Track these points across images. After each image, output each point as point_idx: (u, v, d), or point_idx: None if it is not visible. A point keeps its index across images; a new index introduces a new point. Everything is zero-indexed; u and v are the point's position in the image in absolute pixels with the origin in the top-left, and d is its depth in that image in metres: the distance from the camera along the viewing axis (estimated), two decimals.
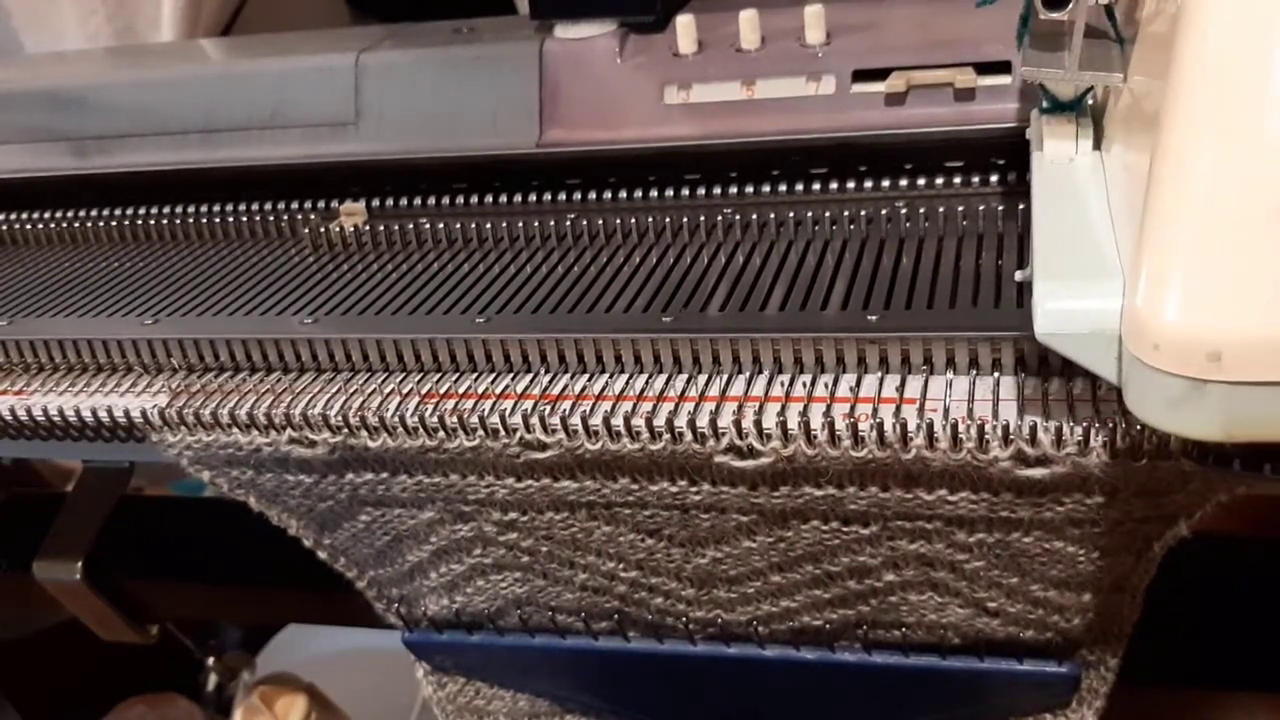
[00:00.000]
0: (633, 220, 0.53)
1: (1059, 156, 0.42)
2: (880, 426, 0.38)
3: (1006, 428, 0.37)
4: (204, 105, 0.60)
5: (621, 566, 0.46)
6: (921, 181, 0.51)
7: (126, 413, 0.47)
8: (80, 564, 0.56)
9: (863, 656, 0.47)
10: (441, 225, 0.55)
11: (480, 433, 0.42)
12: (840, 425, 0.39)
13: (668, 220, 0.52)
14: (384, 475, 0.45)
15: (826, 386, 0.41)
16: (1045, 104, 0.42)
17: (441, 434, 0.43)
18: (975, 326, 0.41)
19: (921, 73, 0.50)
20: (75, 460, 0.61)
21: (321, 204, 0.59)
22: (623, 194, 0.55)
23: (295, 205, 0.60)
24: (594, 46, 0.56)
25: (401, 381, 0.46)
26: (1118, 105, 0.41)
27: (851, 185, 0.52)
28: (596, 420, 0.41)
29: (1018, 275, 0.34)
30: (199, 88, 0.61)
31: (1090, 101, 0.43)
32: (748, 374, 0.43)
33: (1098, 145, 0.42)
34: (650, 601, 0.47)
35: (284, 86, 0.59)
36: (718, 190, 0.54)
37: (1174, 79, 0.31)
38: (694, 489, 0.42)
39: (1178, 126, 0.30)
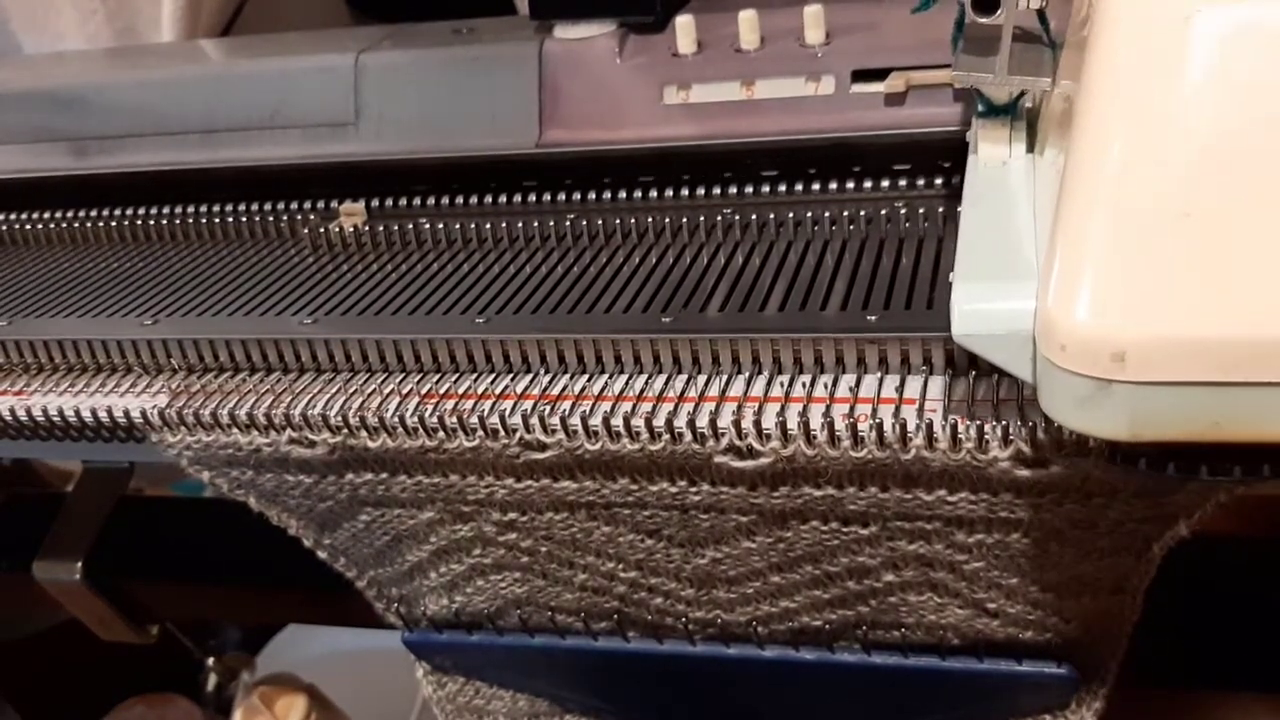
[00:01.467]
0: (633, 220, 0.53)
1: (992, 159, 0.43)
2: (880, 427, 0.38)
3: (1006, 428, 0.37)
4: (204, 105, 0.60)
5: (621, 567, 0.46)
6: (921, 182, 0.51)
7: (126, 413, 0.47)
8: (80, 564, 0.56)
9: (862, 657, 0.47)
10: (441, 225, 0.55)
11: (480, 433, 0.42)
12: (840, 425, 0.39)
13: (668, 220, 0.52)
14: (384, 475, 0.45)
15: (826, 386, 0.41)
16: (980, 108, 0.43)
17: (441, 434, 0.43)
18: None
19: (921, 73, 0.50)
20: (75, 460, 0.61)
21: (321, 204, 0.59)
22: (622, 194, 0.55)
23: (295, 205, 0.60)
24: (594, 46, 0.56)
25: (401, 382, 0.46)
26: (1049, 109, 0.41)
27: (851, 185, 0.52)
28: (596, 420, 0.41)
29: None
30: (199, 88, 0.61)
31: (1028, 105, 0.43)
32: (748, 374, 0.43)
33: (1032, 148, 0.43)
34: (650, 602, 0.47)
35: (284, 86, 0.59)
36: (718, 190, 0.54)
37: (1085, 83, 0.32)
38: (694, 489, 0.42)
39: (1088, 130, 0.31)
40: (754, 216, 0.52)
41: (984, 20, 0.39)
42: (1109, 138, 0.30)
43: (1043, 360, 0.31)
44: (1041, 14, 0.41)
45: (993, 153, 0.43)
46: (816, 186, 0.52)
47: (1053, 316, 0.30)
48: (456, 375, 0.46)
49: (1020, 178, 0.41)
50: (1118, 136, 0.30)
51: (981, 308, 0.33)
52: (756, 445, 0.40)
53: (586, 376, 0.44)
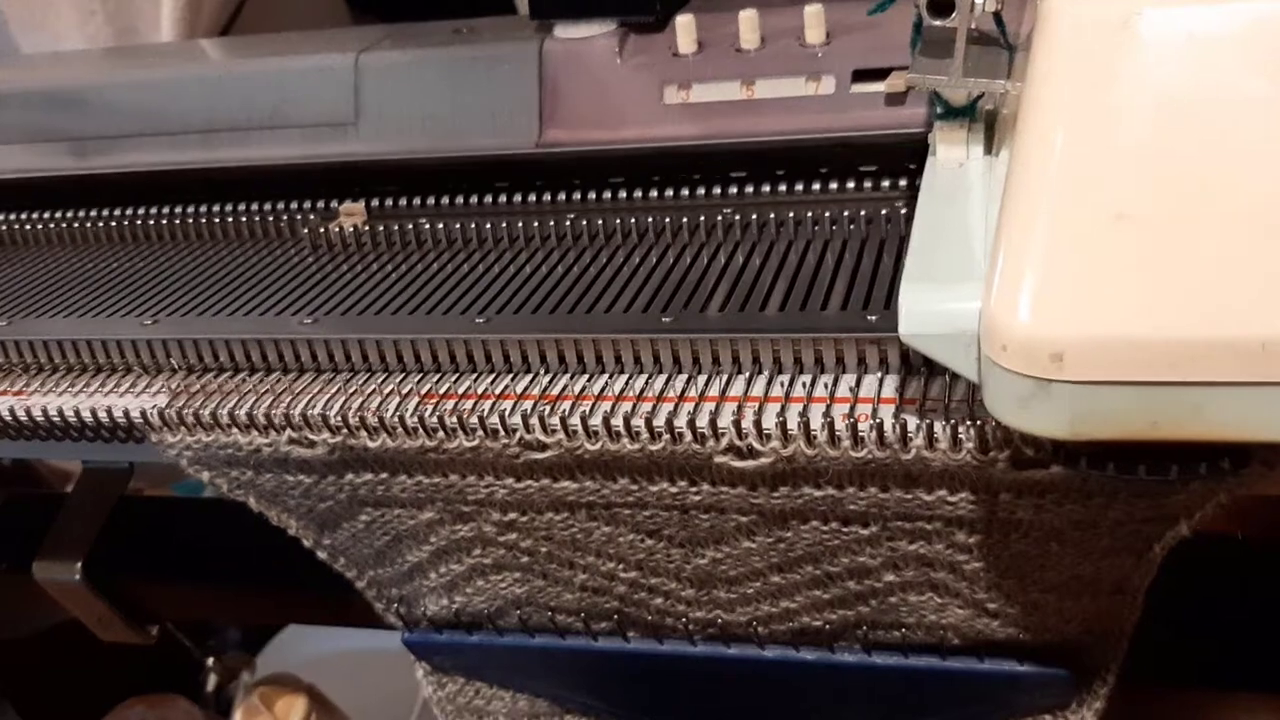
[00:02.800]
0: (633, 220, 0.53)
1: (950, 161, 0.43)
2: (880, 427, 0.38)
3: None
4: (204, 105, 0.60)
5: (621, 567, 0.46)
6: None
7: (126, 413, 0.47)
8: (80, 564, 0.56)
9: (863, 657, 0.47)
10: (441, 225, 0.55)
11: (480, 433, 0.42)
12: (840, 425, 0.39)
13: (668, 220, 0.52)
14: (384, 475, 0.45)
15: (826, 386, 0.41)
16: (939, 110, 0.43)
17: (441, 434, 0.43)
18: None
19: None
20: (75, 460, 0.61)
21: (321, 204, 0.59)
22: (623, 194, 0.55)
23: (295, 205, 0.60)
24: (594, 46, 0.55)
25: (401, 382, 0.46)
26: (1007, 111, 0.41)
27: (851, 185, 0.52)
28: (596, 420, 0.41)
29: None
30: (199, 88, 0.61)
31: (989, 107, 0.44)
32: (748, 374, 0.43)
33: (991, 150, 0.43)
34: (650, 602, 0.47)
35: (284, 86, 0.59)
36: (718, 190, 0.54)
37: (1027, 86, 0.32)
38: (694, 489, 0.42)
39: (1029, 133, 0.31)
40: (754, 216, 0.52)
41: (939, 23, 0.39)
42: (1048, 141, 0.31)
43: (986, 360, 0.31)
44: (998, 17, 0.41)
45: (950, 154, 0.43)
46: (816, 186, 0.52)
47: (994, 317, 0.30)
48: (456, 375, 0.46)
49: (977, 179, 0.42)
50: (1056, 140, 0.31)
51: (928, 308, 0.33)
52: (756, 445, 0.40)
53: (586, 376, 0.44)
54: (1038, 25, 0.33)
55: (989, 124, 0.43)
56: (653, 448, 0.41)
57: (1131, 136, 0.30)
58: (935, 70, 0.40)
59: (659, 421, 0.41)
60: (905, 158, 0.51)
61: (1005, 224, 0.31)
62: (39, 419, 0.49)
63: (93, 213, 0.63)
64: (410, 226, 0.56)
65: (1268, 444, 0.31)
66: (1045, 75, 0.32)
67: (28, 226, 0.63)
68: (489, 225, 0.55)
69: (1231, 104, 0.30)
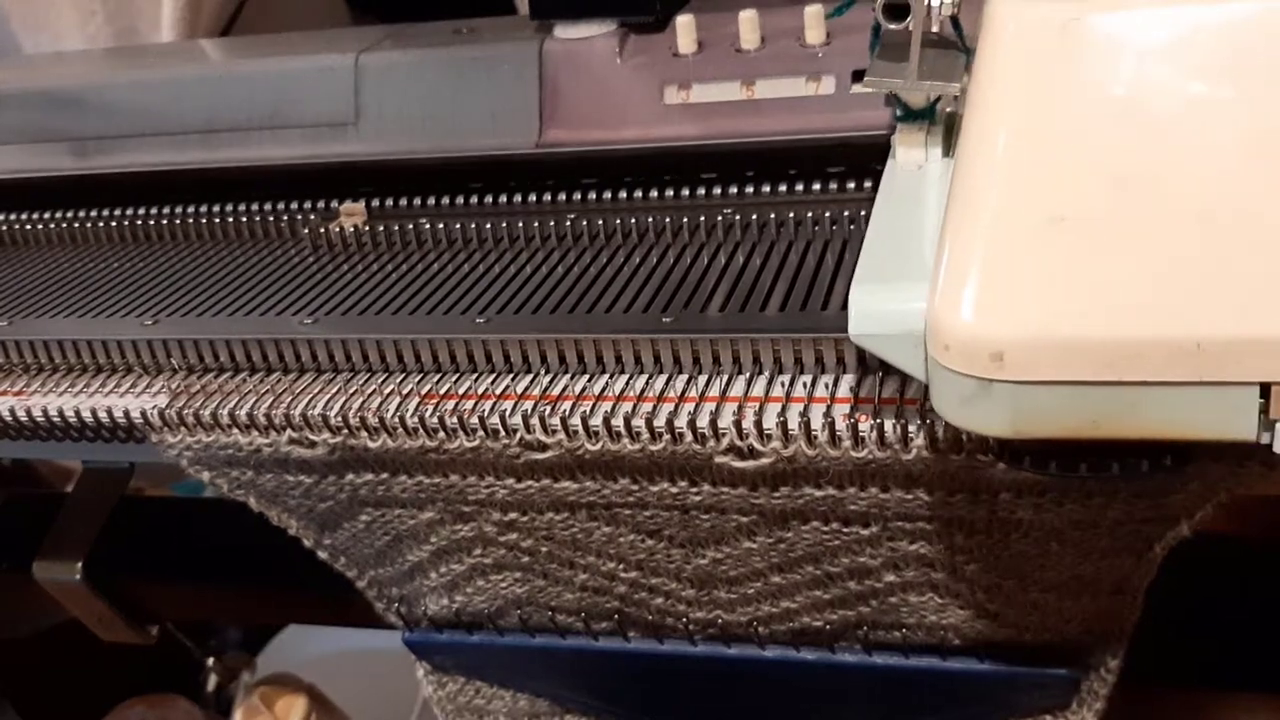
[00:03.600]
0: (633, 220, 0.53)
1: (909, 163, 0.43)
2: (880, 427, 0.38)
3: None
4: (204, 105, 0.60)
5: (621, 567, 0.46)
6: None
7: (126, 413, 0.47)
8: (80, 564, 0.56)
9: (863, 657, 0.47)
10: (441, 225, 0.55)
11: (480, 433, 0.42)
12: (841, 425, 0.39)
13: (668, 220, 0.52)
14: (384, 476, 0.45)
15: (826, 387, 0.41)
16: (899, 112, 0.43)
17: (441, 435, 0.43)
18: None
19: None
20: (75, 460, 0.61)
21: (321, 204, 0.59)
22: (623, 194, 0.55)
23: (295, 205, 0.60)
24: (594, 46, 0.55)
25: (401, 382, 0.46)
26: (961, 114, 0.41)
27: (852, 185, 0.52)
28: (596, 421, 0.41)
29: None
30: (199, 88, 0.61)
31: (949, 110, 0.44)
32: (748, 374, 0.43)
33: (949, 153, 0.43)
34: (650, 602, 0.47)
35: (284, 86, 0.59)
36: (718, 190, 0.54)
37: (972, 89, 0.33)
38: (694, 490, 0.42)
39: (973, 135, 0.32)
40: (754, 216, 0.52)
41: (894, 27, 0.39)
42: (991, 143, 0.31)
43: (931, 360, 0.32)
44: (955, 20, 0.41)
45: (909, 156, 0.43)
46: (816, 186, 0.52)
47: (937, 317, 0.31)
48: (456, 375, 0.46)
49: (934, 181, 0.42)
50: (998, 142, 0.31)
51: (877, 308, 0.34)
52: (757, 445, 0.40)
53: (586, 376, 0.44)
54: (982, 28, 0.33)
55: (949, 126, 0.44)
56: (653, 448, 0.41)
57: (1070, 139, 0.31)
58: (892, 73, 0.40)
59: (659, 421, 0.41)
60: None
61: (949, 225, 0.31)
62: (39, 419, 0.49)
63: (93, 213, 0.63)
64: (410, 226, 0.56)
65: (1208, 442, 0.31)
66: (988, 78, 0.32)
67: (28, 226, 0.63)
68: (489, 225, 0.55)
69: (1167, 107, 0.30)
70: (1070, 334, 0.29)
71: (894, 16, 0.39)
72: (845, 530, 0.42)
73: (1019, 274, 0.30)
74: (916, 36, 0.39)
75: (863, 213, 0.50)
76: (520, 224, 0.54)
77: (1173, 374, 0.29)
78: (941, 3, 0.38)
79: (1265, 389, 0.29)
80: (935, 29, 0.41)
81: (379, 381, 0.46)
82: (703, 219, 0.52)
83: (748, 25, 0.53)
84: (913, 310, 0.32)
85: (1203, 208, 0.29)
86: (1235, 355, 0.28)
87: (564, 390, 0.44)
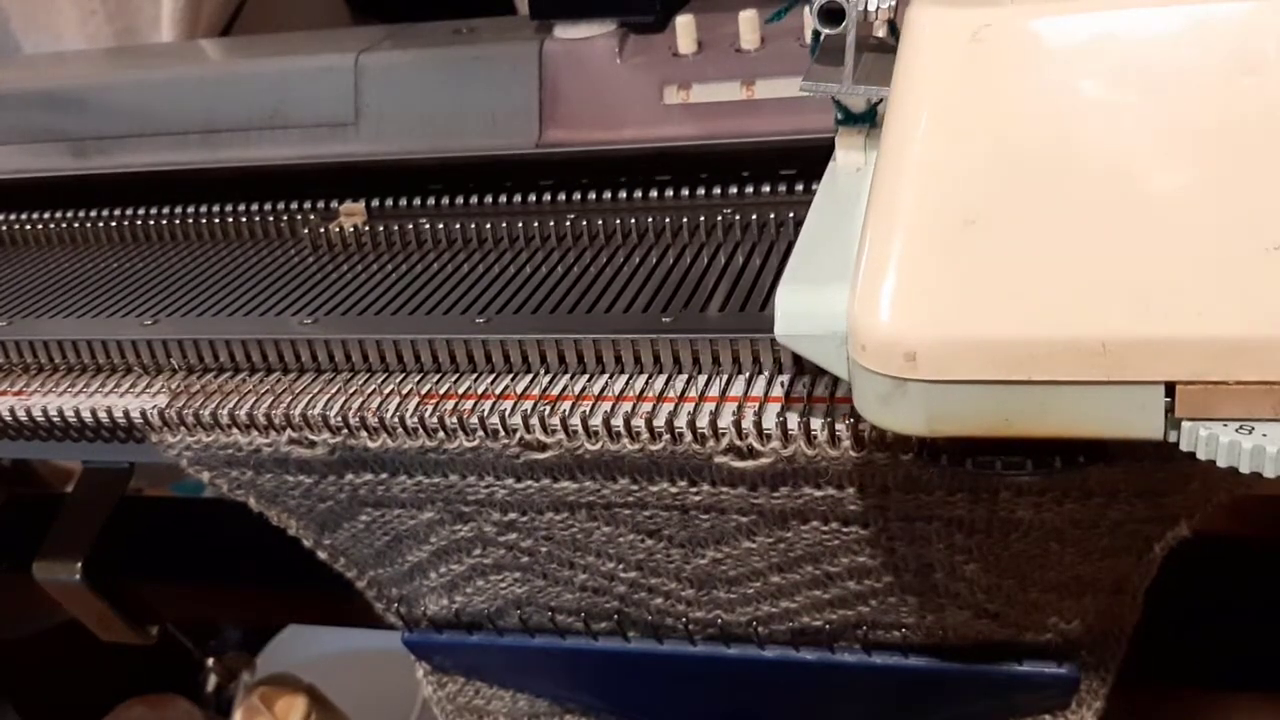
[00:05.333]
0: (633, 220, 0.53)
1: (848, 166, 0.43)
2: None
3: None
4: (204, 105, 0.60)
5: (621, 567, 0.46)
6: None
7: (126, 413, 0.47)
8: (80, 564, 0.56)
9: (862, 657, 0.47)
10: (441, 225, 0.55)
11: (480, 433, 0.42)
12: (840, 425, 0.39)
13: (668, 220, 0.52)
14: (384, 476, 0.45)
15: (827, 386, 0.41)
16: (839, 116, 0.43)
17: (441, 434, 0.43)
18: None
19: None
20: (75, 460, 0.61)
21: (321, 204, 0.59)
22: (623, 194, 0.55)
23: (295, 205, 0.60)
24: (594, 46, 0.55)
25: (401, 382, 0.46)
26: None
27: None
28: (596, 420, 0.41)
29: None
30: (199, 88, 0.61)
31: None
32: (748, 374, 0.43)
33: None
34: (650, 602, 0.47)
35: (284, 86, 0.59)
36: (718, 190, 0.54)
37: (892, 96, 0.33)
38: (694, 490, 0.42)
39: (890, 140, 0.32)
40: (754, 216, 0.51)
41: (830, 31, 0.40)
42: (907, 148, 0.32)
43: (850, 360, 0.32)
44: (893, 24, 0.41)
45: (848, 159, 0.43)
46: (816, 186, 0.52)
47: (856, 318, 0.31)
48: (456, 375, 0.46)
49: (870, 185, 0.42)
50: (914, 147, 0.32)
51: (802, 310, 0.34)
52: (757, 445, 0.40)
53: (586, 376, 0.44)
54: (902, 35, 0.34)
55: None
56: (653, 448, 0.41)
57: (981, 144, 0.31)
58: (828, 77, 0.41)
59: (659, 421, 0.41)
60: None
61: (868, 228, 0.32)
62: (39, 419, 0.49)
63: (93, 213, 0.63)
64: (410, 226, 0.56)
65: (1119, 441, 0.32)
66: (905, 83, 0.33)
67: (28, 226, 0.63)
68: (489, 225, 0.55)
69: (1072, 112, 0.31)
70: (981, 335, 0.30)
71: (829, 21, 0.39)
72: (845, 530, 0.42)
73: (932, 276, 0.30)
74: (850, 41, 0.39)
75: None
76: (520, 224, 0.54)
77: (1080, 374, 0.29)
78: (878, 7, 0.39)
79: (1170, 388, 0.29)
80: (880, 33, 0.42)
81: (379, 381, 0.46)
82: (703, 219, 0.52)
83: (747, 25, 0.53)
84: (837, 312, 0.33)
85: (1108, 211, 0.30)
86: (1140, 355, 0.29)
87: (564, 390, 0.44)
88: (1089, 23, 0.31)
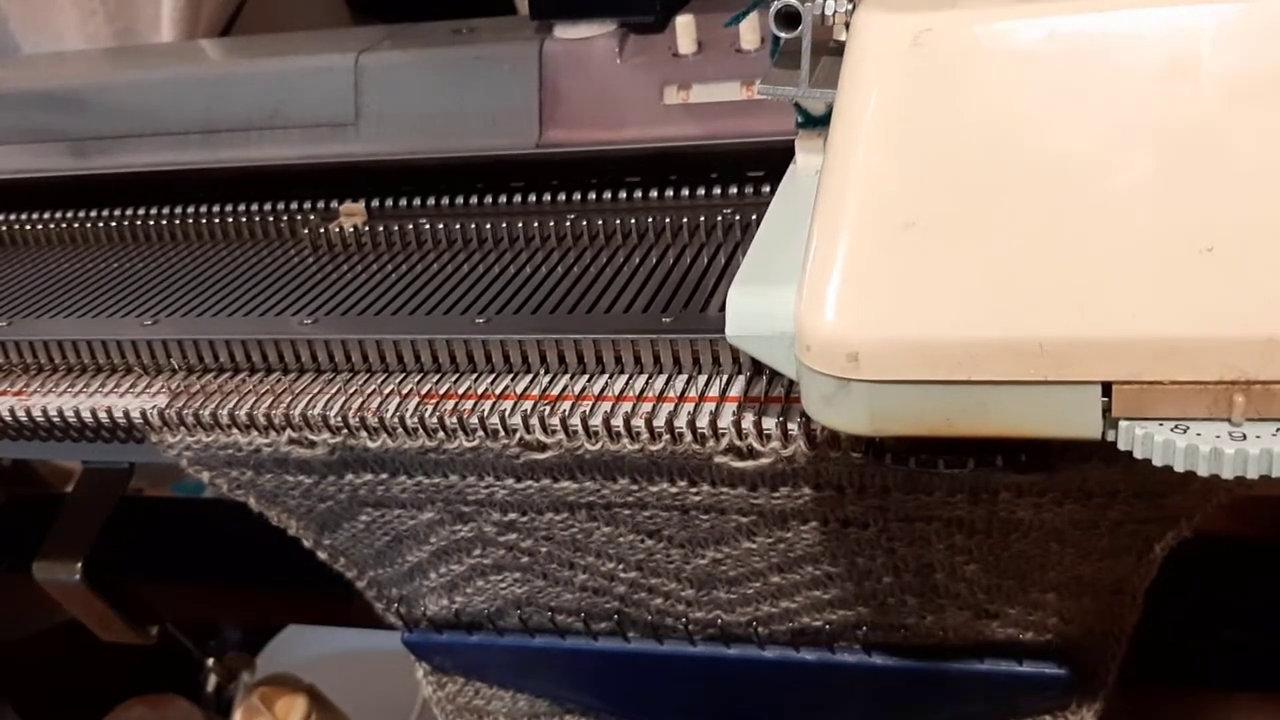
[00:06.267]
0: (633, 220, 0.53)
1: (808, 169, 0.43)
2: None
3: None
4: (204, 105, 0.60)
5: (621, 567, 0.46)
6: None
7: (126, 413, 0.47)
8: (80, 564, 0.56)
9: (862, 658, 0.47)
10: (441, 225, 0.55)
11: (480, 433, 0.42)
12: None
13: (668, 220, 0.52)
14: (384, 476, 0.45)
15: None
16: (799, 118, 0.43)
17: (441, 435, 0.43)
18: None
19: None
20: (75, 461, 0.61)
21: (321, 204, 0.59)
22: (622, 194, 0.55)
23: (295, 205, 0.60)
24: (594, 46, 0.56)
25: (401, 382, 0.46)
26: None
27: None
28: (596, 420, 0.41)
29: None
30: (199, 88, 0.61)
31: None
32: (748, 374, 0.43)
33: None
34: (650, 602, 0.47)
35: (284, 86, 0.59)
36: (718, 190, 0.54)
37: (838, 99, 0.34)
38: (694, 490, 0.42)
39: (835, 143, 0.33)
40: (754, 216, 0.51)
41: (786, 35, 0.40)
42: (851, 151, 0.32)
43: (798, 360, 0.32)
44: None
45: (808, 162, 0.43)
46: None
47: (801, 319, 0.32)
48: (456, 375, 0.46)
49: None
50: (856, 150, 0.32)
51: (752, 311, 0.34)
52: (757, 445, 0.40)
53: (586, 376, 0.44)
54: (848, 38, 0.34)
55: None
56: (653, 448, 0.41)
57: (920, 147, 0.32)
58: (785, 80, 0.41)
59: (659, 421, 0.41)
60: None
61: (814, 230, 0.32)
62: (39, 419, 0.49)
63: (93, 213, 0.63)
64: (410, 226, 0.56)
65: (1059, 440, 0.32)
66: (850, 87, 0.33)
67: (28, 226, 0.63)
68: (489, 225, 0.55)
69: (1010, 116, 0.31)
70: (921, 335, 0.30)
71: (786, 25, 0.39)
72: (845, 530, 0.42)
73: (874, 278, 0.31)
74: (806, 44, 0.39)
75: None
76: (520, 224, 0.54)
77: (1019, 374, 0.30)
78: (835, 11, 0.39)
79: (1107, 388, 0.30)
80: (841, 37, 0.42)
81: (379, 381, 0.46)
82: (703, 219, 0.52)
83: (748, 25, 0.53)
84: (787, 313, 0.33)
85: (1045, 214, 0.30)
86: (1077, 356, 0.29)
87: (564, 390, 0.44)
88: (1027, 28, 0.32)
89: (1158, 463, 0.29)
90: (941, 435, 0.31)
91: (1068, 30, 0.31)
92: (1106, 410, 0.30)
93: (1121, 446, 0.30)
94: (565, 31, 0.56)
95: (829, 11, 0.39)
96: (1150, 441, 0.29)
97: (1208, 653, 0.51)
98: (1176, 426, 0.29)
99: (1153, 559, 0.41)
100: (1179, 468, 0.29)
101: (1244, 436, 0.29)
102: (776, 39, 0.42)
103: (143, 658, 0.70)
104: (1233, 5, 0.30)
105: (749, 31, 0.53)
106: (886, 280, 0.31)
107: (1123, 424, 0.30)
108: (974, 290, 0.30)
